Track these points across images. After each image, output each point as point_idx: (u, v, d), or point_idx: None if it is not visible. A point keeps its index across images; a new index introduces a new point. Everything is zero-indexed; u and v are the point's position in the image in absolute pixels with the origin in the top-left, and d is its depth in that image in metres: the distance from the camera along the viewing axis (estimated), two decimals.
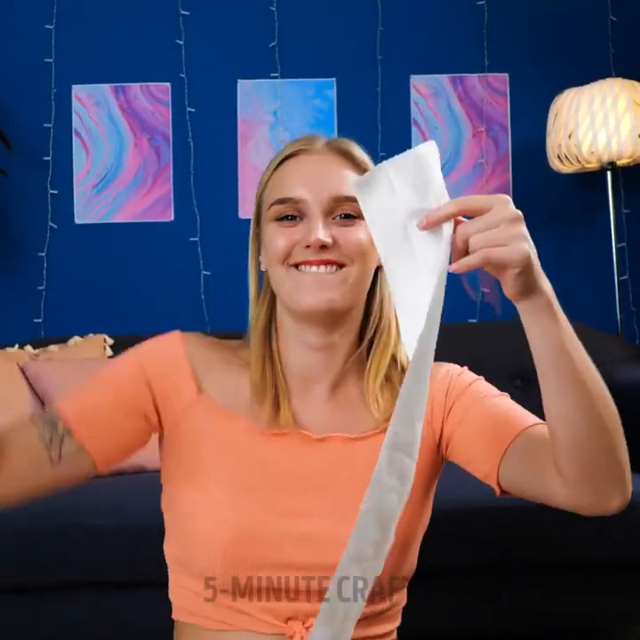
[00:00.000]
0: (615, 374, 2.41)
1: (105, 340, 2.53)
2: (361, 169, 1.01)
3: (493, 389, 1.05)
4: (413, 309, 0.79)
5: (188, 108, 2.97)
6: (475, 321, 2.92)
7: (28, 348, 2.46)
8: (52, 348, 2.46)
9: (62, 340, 2.53)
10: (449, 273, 0.79)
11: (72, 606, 1.78)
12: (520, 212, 0.78)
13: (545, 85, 2.91)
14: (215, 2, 3.00)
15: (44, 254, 2.92)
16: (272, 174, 1.04)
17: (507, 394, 1.06)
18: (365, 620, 1.00)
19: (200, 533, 0.97)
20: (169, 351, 1.04)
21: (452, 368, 1.08)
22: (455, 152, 3.03)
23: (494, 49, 3.02)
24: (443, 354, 2.72)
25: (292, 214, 1.00)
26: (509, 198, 0.80)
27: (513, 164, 3.03)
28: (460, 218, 0.81)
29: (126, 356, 1.06)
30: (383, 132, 2.98)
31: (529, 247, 0.78)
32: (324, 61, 3.01)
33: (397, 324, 1.04)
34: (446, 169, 3.01)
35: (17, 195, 2.91)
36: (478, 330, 2.70)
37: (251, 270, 1.08)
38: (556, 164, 2.79)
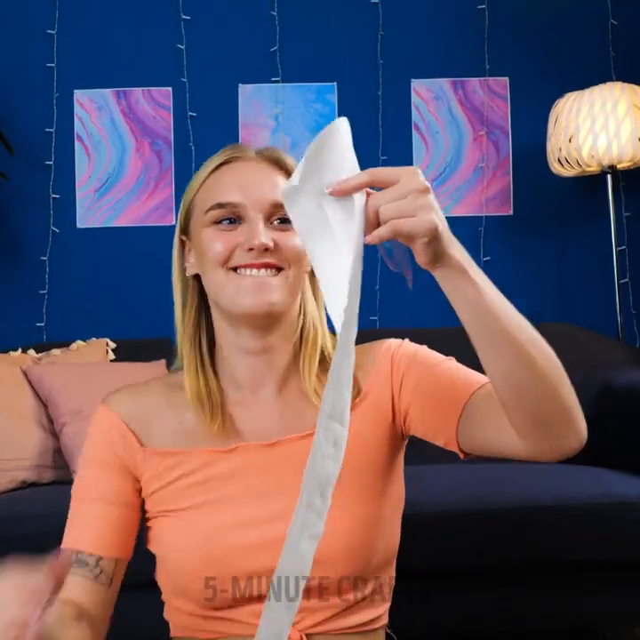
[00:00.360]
0: (615, 377, 2.41)
1: (107, 344, 2.54)
2: (289, 172, 1.04)
3: (438, 356, 1.07)
4: (336, 285, 0.80)
5: (190, 113, 2.98)
6: None
7: (31, 351, 2.46)
8: (55, 351, 2.47)
9: (65, 344, 2.54)
10: (366, 245, 0.80)
11: None
12: (428, 184, 0.79)
13: (545, 89, 2.92)
14: (216, 6, 3.01)
15: (46, 258, 2.92)
16: (205, 181, 1.04)
17: (452, 357, 1.07)
18: (352, 608, 1.02)
19: (174, 560, 1.01)
20: (104, 429, 1.06)
21: (393, 341, 1.10)
22: (456, 156, 3.03)
23: (495, 53, 3.03)
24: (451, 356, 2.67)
25: (231, 218, 1.01)
26: (418, 170, 0.80)
27: (513, 168, 3.04)
28: (371, 190, 0.81)
29: (83, 465, 1.08)
30: (384, 136, 2.98)
31: (437, 217, 0.79)
32: (325, 65, 3.02)
33: (321, 319, 1.08)
34: (447, 173, 3.02)
35: (19, 199, 2.92)
36: None
37: (175, 278, 1.09)
38: (556, 167, 2.79)
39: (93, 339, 2.56)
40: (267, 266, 0.99)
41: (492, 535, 1.81)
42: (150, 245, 2.93)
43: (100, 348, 2.51)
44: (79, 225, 2.95)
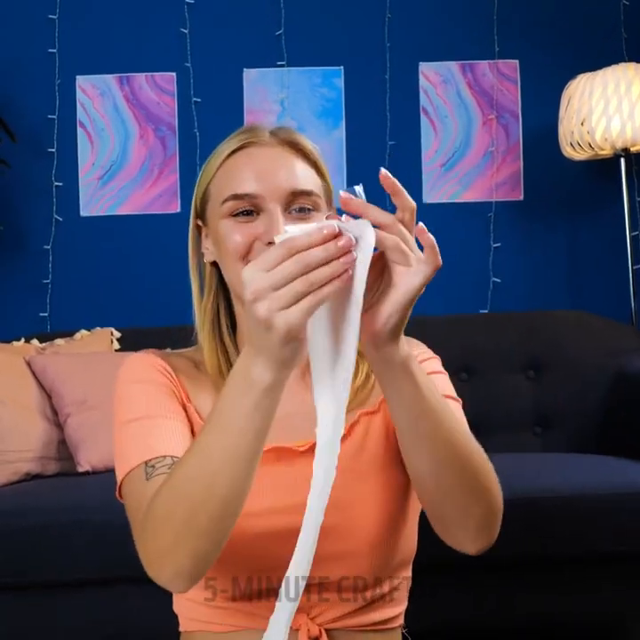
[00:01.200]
0: (629, 364, 2.38)
1: (112, 334, 2.50)
2: (311, 160, 1.00)
3: (450, 392, 1.03)
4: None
5: (194, 98, 2.93)
6: (486, 311, 2.88)
7: (35, 341, 2.43)
8: (59, 341, 2.43)
9: (69, 333, 2.50)
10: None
11: (84, 603, 1.76)
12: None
13: (556, 71, 2.87)
14: None
15: (49, 247, 2.89)
16: (220, 167, 1.00)
17: (459, 401, 1.04)
18: (371, 605, 1.01)
19: None
20: (154, 363, 1.01)
21: (424, 351, 1.07)
22: (465, 140, 2.98)
23: (504, 35, 2.98)
24: (455, 345, 2.66)
25: (249, 210, 0.97)
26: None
27: (524, 152, 2.98)
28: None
29: (130, 389, 0.99)
30: (392, 120, 2.93)
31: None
32: (332, 49, 2.97)
33: None
34: (456, 158, 2.97)
35: (21, 187, 2.88)
36: (490, 320, 2.66)
37: (192, 265, 1.06)
38: (568, 151, 2.74)
39: (98, 328, 2.53)
40: None
41: (504, 527, 1.77)
42: (155, 233, 2.89)
43: (104, 338, 2.47)
44: (82, 213, 2.91)
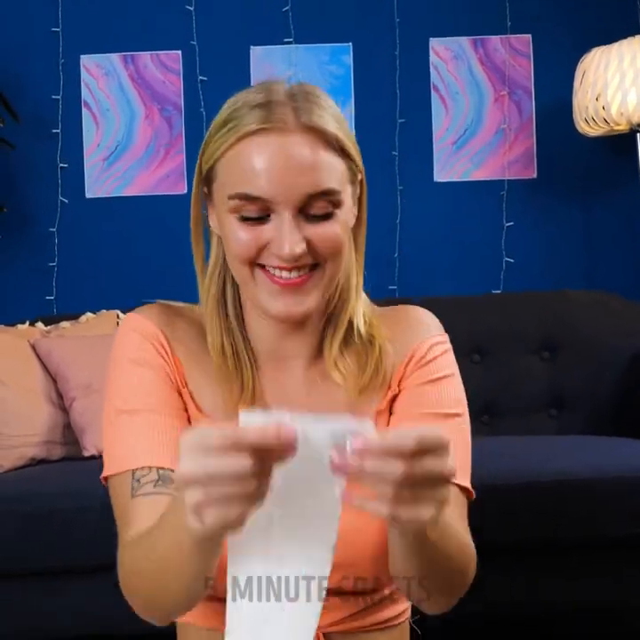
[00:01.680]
0: None
1: (118, 317, 2.46)
2: (337, 148, 0.88)
3: (451, 405, 0.95)
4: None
5: (200, 77, 2.88)
6: (499, 291, 2.83)
7: (40, 324, 2.40)
8: (64, 324, 2.40)
9: (74, 316, 2.47)
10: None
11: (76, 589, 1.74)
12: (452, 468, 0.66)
13: (570, 46, 2.81)
14: None
15: (55, 230, 2.85)
16: (232, 147, 0.87)
17: (462, 415, 0.95)
18: (371, 608, 0.97)
19: None
20: (152, 336, 0.94)
21: (433, 338, 0.98)
22: (477, 117, 2.92)
23: (516, 9, 2.91)
24: (467, 326, 2.61)
25: (258, 215, 0.86)
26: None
27: (537, 129, 2.92)
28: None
29: (126, 371, 0.92)
30: (402, 98, 2.87)
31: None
32: (340, 26, 2.91)
33: (357, 286, 0.97)
34: (467, 135, 2.91)
35: (26, 168, 2.85)
36: (503, 301, 2.62)
37: (194, 237, 0.97)
38: (582, 126, 2.67)
39: (103, 311, 2.49)
40: (300, 267, 0.88)
41: (513, 513, 1.74)
42: (162, 215, 2.84)
43: (110, 321, 2.44)
44: (88, 195, 2.87)
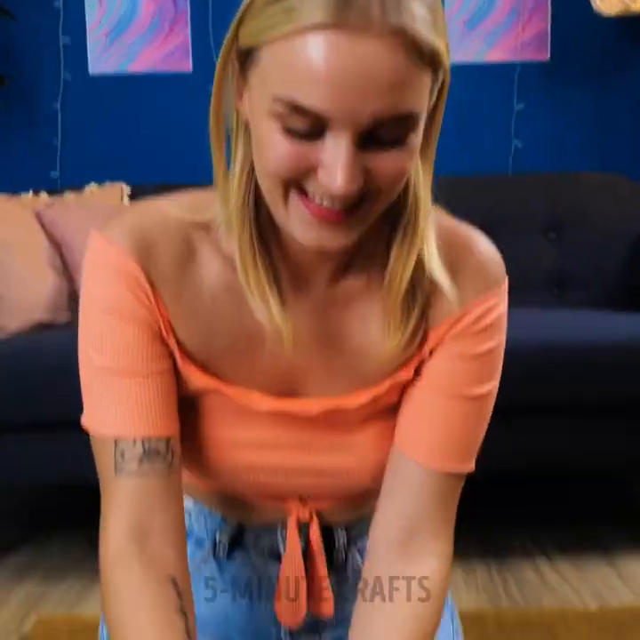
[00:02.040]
0: None
1: (122, 189, 2.44)
2: (429, 59, 0.66)
3: (491, 375, 0.83)
4: None
5: None
6: (508, 173, 2.79)
7: (44, 195, 2.38)
8: (68, 196, 2.39)
9: (78, 188, 2.45)
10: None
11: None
12: None
13: None
14: None
15: (58, 107, 2.81)
16: (286, 37, 0.63)
17: (489, 395, 0.84)
18: (367, 499, 0.92)
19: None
20: (130, 276, 0.78)
21: (493, 298, 0.82)
22: None
23: None
24: (474, 207, 2.60)
25: (309, 130, 0.65)
26: None
27: (552, 9, 2.83)
28: None
29: (102, 322, 0.78)
30: None
31: None
32: None
33: (426, 206, 0.78)
34: (478, 17, 2.82)
35: (28, 44, 2.79)
36: (511, 182, 2.59)
37: (214, 128, 0.76)
38: (598, 4, 2.59)
39: (108, 183, 2.47)
40: (346, 198, 0.68)
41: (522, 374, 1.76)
42: (166, 92, 2.79)
43: (115, 193, 2.42)
44: (91, 71, 2.82)
